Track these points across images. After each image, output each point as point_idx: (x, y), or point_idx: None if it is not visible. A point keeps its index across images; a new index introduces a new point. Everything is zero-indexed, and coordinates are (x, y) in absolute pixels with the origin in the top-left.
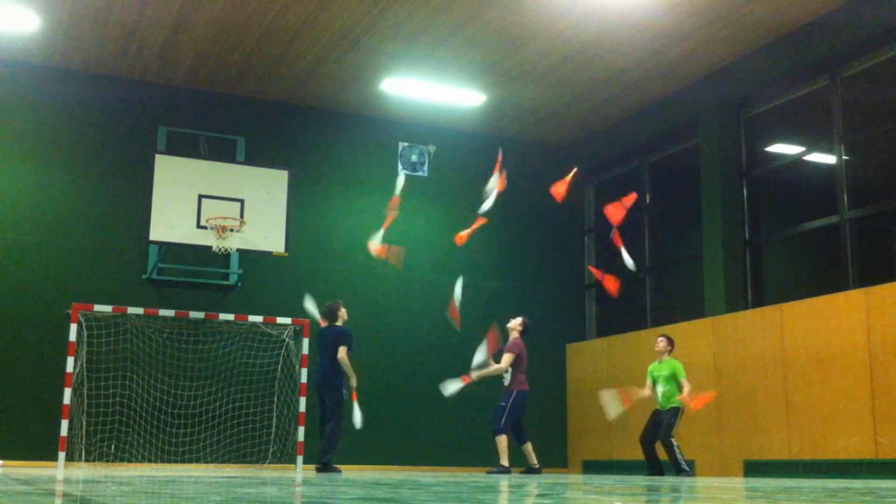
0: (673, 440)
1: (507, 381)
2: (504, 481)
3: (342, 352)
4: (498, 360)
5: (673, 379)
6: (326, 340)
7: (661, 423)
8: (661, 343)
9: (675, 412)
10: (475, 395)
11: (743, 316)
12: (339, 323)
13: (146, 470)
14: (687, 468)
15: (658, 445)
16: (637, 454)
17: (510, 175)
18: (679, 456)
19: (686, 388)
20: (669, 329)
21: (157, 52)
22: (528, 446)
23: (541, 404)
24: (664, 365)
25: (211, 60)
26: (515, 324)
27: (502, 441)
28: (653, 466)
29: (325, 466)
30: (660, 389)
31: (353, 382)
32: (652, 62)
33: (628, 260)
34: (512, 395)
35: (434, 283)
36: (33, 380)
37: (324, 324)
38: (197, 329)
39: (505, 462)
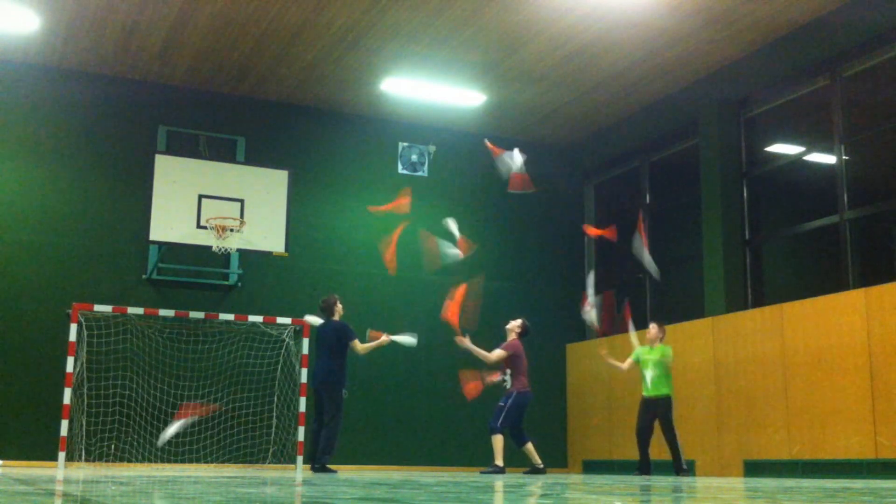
0: (677, 434)
1: (507, 384)
2: (501, 481)
3: (356, 346)
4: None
5: (662, 364)
6: (325, 337)
7: (655, 416)
8: (653, 331)
9: (668, 402)
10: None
11: (743, 316)
12: (335, 318)
13: (146, 470)
14: (686, 468)
15: (654, 443)
16: (637, 454)
17: (509, 175)
18: (681, 453)
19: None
20: (669, 329)
21: (157, 52)
22: (529, 447)
23: (541, 404)
24: (655, 350)
25: (211, 60)
26: (514, 325)
27: (498, 441)
28: (643, 465)
29: (322, 468)
30: (649, 374)
31: (385, 340)
32: (652, 62)
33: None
34: (512, 396)
35: (433, 282)
36: (33, 380)
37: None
38: (197, 329)
39: (499, 462)
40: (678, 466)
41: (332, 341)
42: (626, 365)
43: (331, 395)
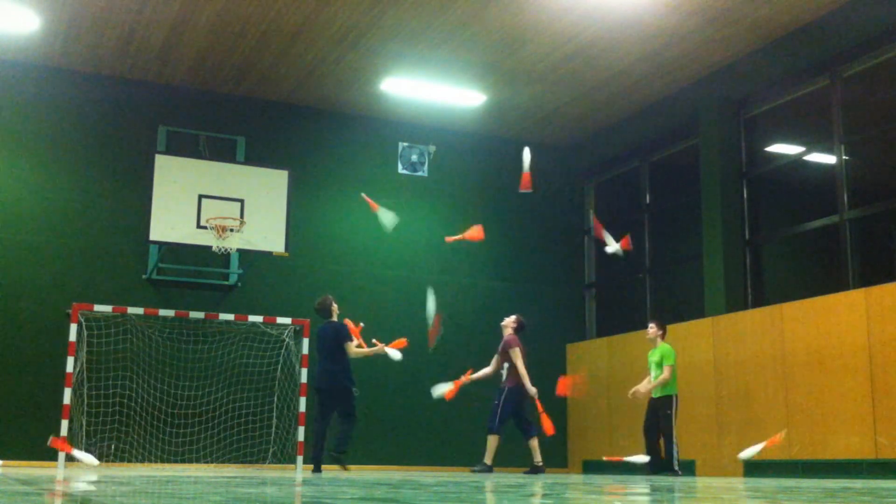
0: (674, 436)
1: (504, 376)
2: (499, 481)
3: (349, 349)
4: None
5: (661, 365)
6: (326, 339)
7: (657, 412)
8: (651, 330)
9: (668, 401)
10: (475, 396)
11: (743, 316)
12: (334, 318)
13: (146, 470)
14: (678, 471)
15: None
16: (637, 453)
17: (509, 175)
18: (675, 454)
19: (665, 374)
20: (670, 329)
21: (157, 52)
22: (534, 443)
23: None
24: (656, 351)
25: (211, 60)
26: (510, 321)
27: (493, 440)
28: (652, 462)
29: (340, 457)
30: (652, 374)
31: (380, 349)
32: (652, 62)
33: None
34: (504, 392)
35: (433, 282)
36: (33, 380)
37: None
38: (197, 329)
39: (488, 461)
40: (670, 467)
41: (332, 342)
42: (645, 381)
43: (340, 397)
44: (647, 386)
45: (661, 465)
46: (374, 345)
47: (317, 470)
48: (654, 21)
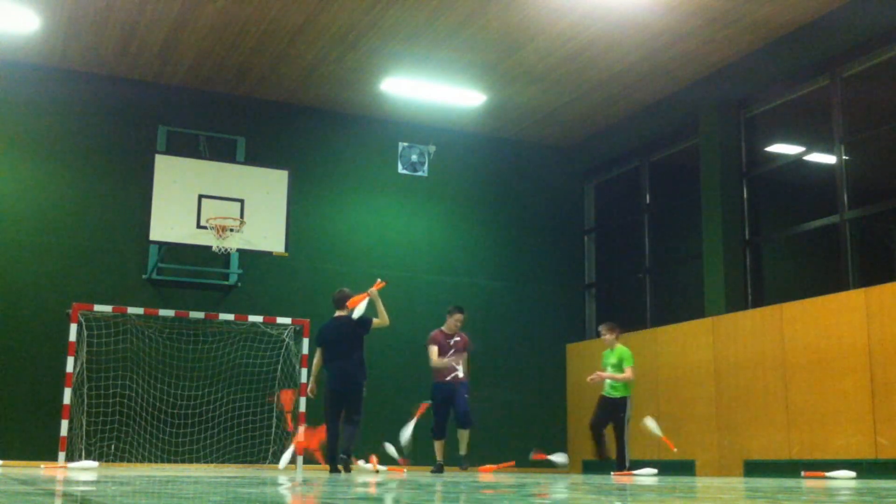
0: (626, 436)
1: (461, 373)
2: (500, 480)
3: (378, 322)
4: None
5: (619, 367)
6: (343, 333)
7: (609, 411)
8: (608, 336)
9: (625, 403)
10: (473, 396)
11: (743, 316)
12: (344, 312)
13: (146, 470)
14: (629, 468)
15: (610, 433)
16: (637, 454)
17: (510, 175)
18: (626, 454)
19: (628, 374)
20: (670, 329)
21: (157, 52)
22: (442, 443)
23: (541, 404)
24: (612, 353)
25: (211, 60)
26: (462, 317)
27: (467, 434)
28: (599, 452)
29: (348, 461)
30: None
31: (375, 296)
32: (652, 62)
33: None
34: (466, 385)
35: (434, 283)
36: (33, 380)
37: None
38: (197, 329)
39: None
40: (620, 465)
41: (348, 337)
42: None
43: (353, 397)
44: (608, 376)
45: (605, 453)
46: (376, 304)
47: (334, 470)
48: (654, 21)
